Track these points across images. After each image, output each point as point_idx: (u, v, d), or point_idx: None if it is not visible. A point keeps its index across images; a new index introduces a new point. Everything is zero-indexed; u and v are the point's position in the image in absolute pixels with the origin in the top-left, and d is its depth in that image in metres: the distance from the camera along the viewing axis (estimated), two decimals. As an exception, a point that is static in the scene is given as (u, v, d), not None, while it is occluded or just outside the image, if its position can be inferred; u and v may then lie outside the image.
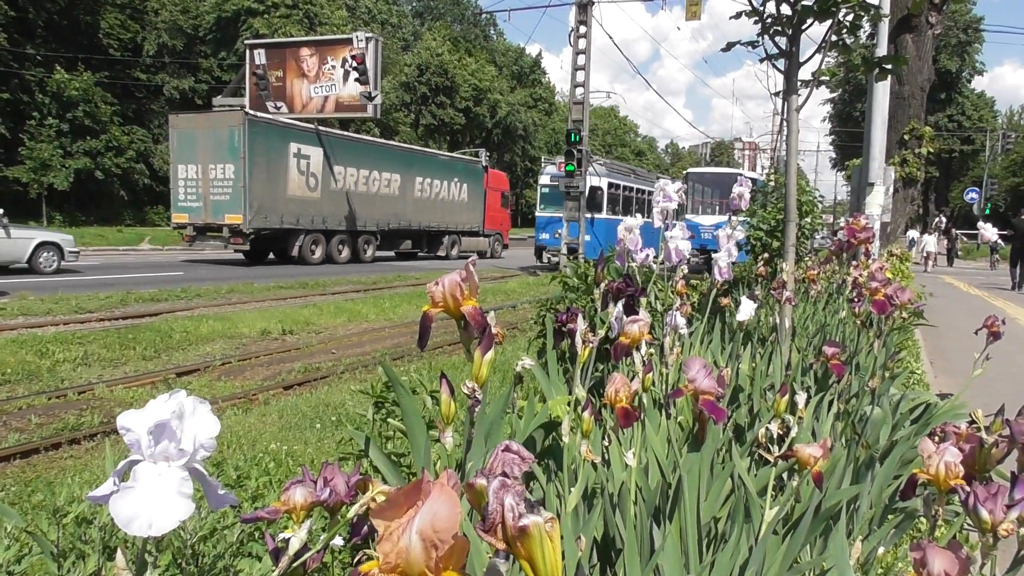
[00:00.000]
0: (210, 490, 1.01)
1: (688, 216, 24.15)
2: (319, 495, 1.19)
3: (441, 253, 28.48)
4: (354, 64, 28.37)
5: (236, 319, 10.64)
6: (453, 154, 33.06)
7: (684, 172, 32.04)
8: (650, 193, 27.09)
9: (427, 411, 2.80)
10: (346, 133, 28.17)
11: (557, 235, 23.56)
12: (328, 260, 23.10)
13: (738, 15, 4.53)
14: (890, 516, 2.28)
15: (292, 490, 1.17)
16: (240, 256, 22.48)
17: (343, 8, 49.92)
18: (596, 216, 24.02)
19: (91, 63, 35.50)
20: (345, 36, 31.17)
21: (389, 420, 2.82)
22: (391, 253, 26.94)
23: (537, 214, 26.02)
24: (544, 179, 25.85)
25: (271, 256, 22.72)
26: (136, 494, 0.90)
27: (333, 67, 29.84)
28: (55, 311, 11.01)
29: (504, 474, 0.73)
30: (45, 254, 16.54)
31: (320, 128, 24.91)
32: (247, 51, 31.44)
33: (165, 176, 39.70)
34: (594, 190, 23.85)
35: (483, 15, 71.14)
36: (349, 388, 6.80)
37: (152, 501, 0.90)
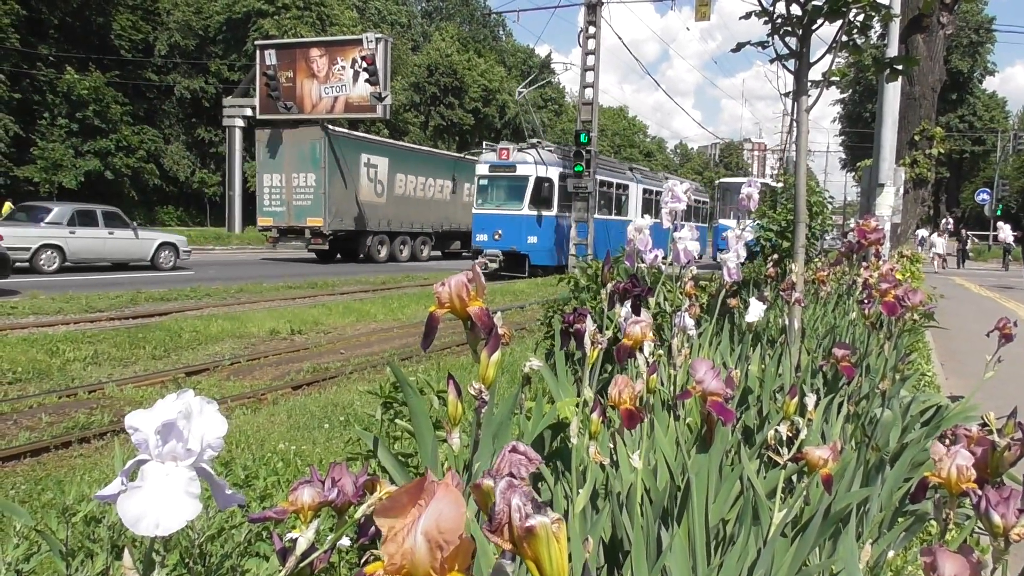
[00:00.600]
0: (217, 490, 1.01)
1: (721, 221, 27.53)
2: (327, 495, 1.19)
3: None
4: (364, 65, 28.43)
5: (245, 319, 10.67)
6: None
7: (717, 182, 33.85)
8: (624, 187, 25.14)
9: (434, 412, 2.80)
10: (407, 144, 32.24)
11: (497, 236, 20.65)
12: (391, 259, 25.98)
13: (748, 15, 4.51)
14: (900, 519, 2.26)
15: (300, 490, 1.17)
16: (313, 256, 25.40)
17: (353, 9, 50.04)
18: (544, 213, 20.65)
19: (102, 63, 35.73)
20: (355, 37, 31.26)
21: (397, 420, 2.82)
22: (438, 253, 28.90)
23: (474, 211, 21.92)
24: (481, 168, 21.90)
25: (338, 256, 25.45)
26: (143, 494, 0.90)
27: (343, 68, 29.91)
28: (66, 310, 11.08)
29: (511, 475, 0.73)
30: (164, 252, 18.69)
31: (385, 139, 28.79)
32: (257, 52, 31.57)
33: (174, 176, 39.97)
34: (540, 182, 20.51)
35: (492, 16, 71.24)
36: (358, 388, 6.81)
37: (159, 501, 0.90)
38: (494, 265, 20.40)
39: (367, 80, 28.59)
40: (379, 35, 29.86)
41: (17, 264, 14.93)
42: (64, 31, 35.76)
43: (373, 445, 2.21)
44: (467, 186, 28.70)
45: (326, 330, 10.70)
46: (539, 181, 20.53)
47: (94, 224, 17.29)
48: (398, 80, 49.14)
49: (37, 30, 34.28)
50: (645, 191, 26.59)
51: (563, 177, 21.07)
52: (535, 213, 20.57)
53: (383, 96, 28.76)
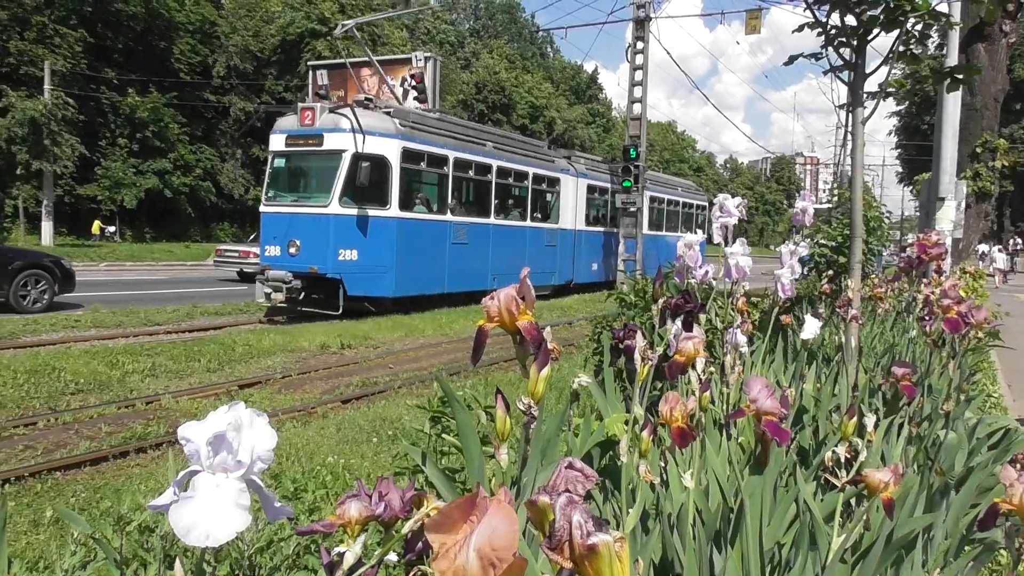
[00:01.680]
0: (267, 502, 1.01)
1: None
2: (374, 510, 1.18)
3: None
4: (413, 83, 28.86)
5: (296, 333, 10.85)
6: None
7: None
8: (552, 182, 19.18)
9: (482, 427, 2.79)
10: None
11: (294, 250, 13.04)
12: None
13: (801, 28, 4.44)
14: (967, 547, 2.16)
15: (347, 504, 1.17)
16: None
17: (403, 29, 50.90)
18: (373, 212, 13.24)
19: (162, 85, 36.98)
20: (405, 56, 31.77)
21: (444, 435, 2.82)
22: None
23: (262, 209, 14.14)
24: (276, 142, 14.37)
25: None
26: (194, 505, 0.90)
27: (393, 86, 30.42)
28: (126, 323, 11.43)
29: (568, 491, 0.71)
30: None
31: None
32: (310, 72, 32.32)
33: (230, 194, 41.01)
34: (363, 162, 12.80)
35: (540, 33, 71.60)
36: (406, 403, 6.85)
37: (210, 512, 0.90)
38: (279, 296, 12.76)
39: (416, 98, 28.98)
40: (428, 54, 30.31)
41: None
42: (127, 55, 37.15)
43: (421, 460, 2.21)
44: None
45: (375, 344, 10.81)
46: (361, 161, 12.76)
47: None
48: (447, 98, 49.76)
49: (102, 54, 35.69)
50: (589, 188, 21.09)
51: (412, 156, 13.92)
52: (354, 212, 13.05)
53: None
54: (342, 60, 33.96)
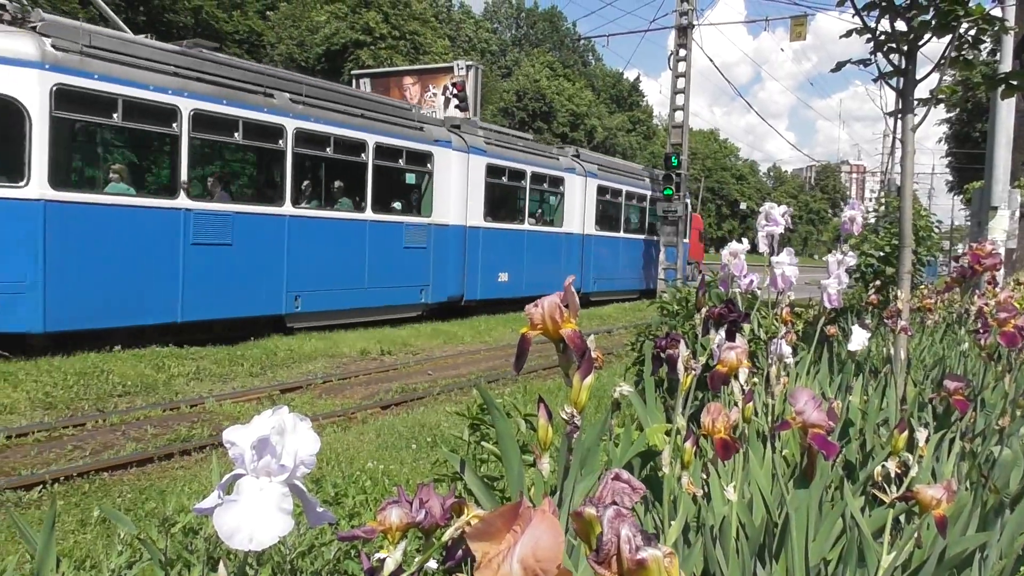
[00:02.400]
0: (309, 507, 1.01)
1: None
2: (415, 516, 1.18)
3: None
4: (455, 91, 29.11)
5: (337, 339, 10.97)
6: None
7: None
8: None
9: (521, 435, 2.78)
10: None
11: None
12: None
13: (849, 33, 4.36)
14: (1023, 568, 2.08)
15: (388, 510, 1.17)
16: None
17: (445, 38, 51.37)
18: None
19: (210, 95, 37.87)
20: (446, 64, 32.08)
21: (484, 443, 2.82)
22: None
23: None
24: None
25: None
26: (238, 508, 0.91)
27: (434, 95, 30.70)
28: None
29: (615, 503, 0.70)
30: None
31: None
32: (353, 81, 32.80)
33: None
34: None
35: (581, 41, 71.65)
36: (445, 409, 6.87)
37: (253, 515, 0.91)
38: None
39: (457, 106, 29.24)
40: (469, 62, 30.55)
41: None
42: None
43: (460, 467, 2.21)
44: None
45: (414, 351, 10.88)
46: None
47: None
48: (488, 106, 50.04)
49: (151, 64, 36.68)
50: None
51: (80, 100, 8.74)
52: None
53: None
54: (384, 69, 34.48)
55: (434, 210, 13.83)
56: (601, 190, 18.95)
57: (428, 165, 13.75)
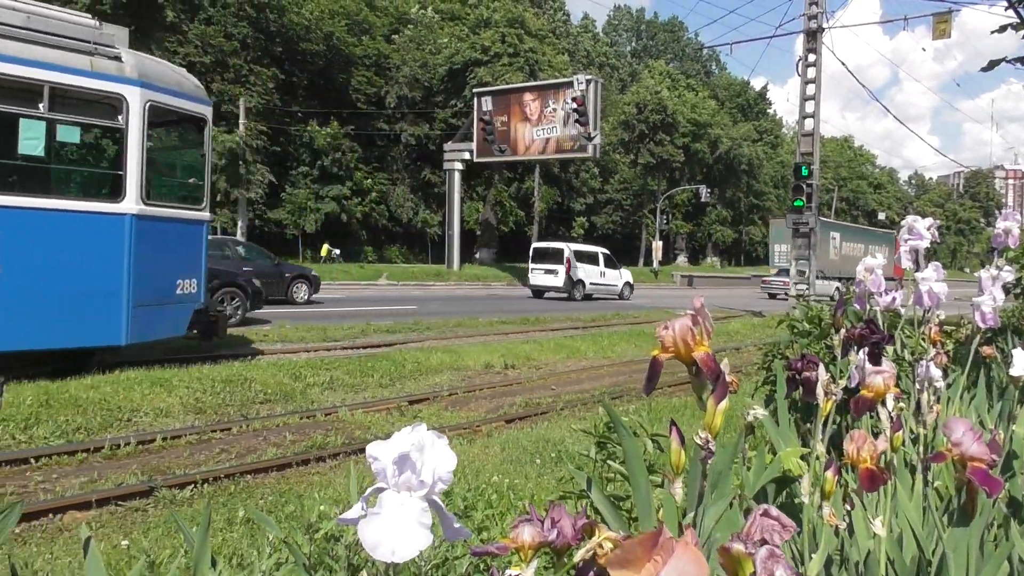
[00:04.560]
0: (446, 522, 1.04)
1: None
2: (547, 535, 1.19)
3: None
4: (574, 106, 29.25)
5: (462, 352, 11.21)
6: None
7: None
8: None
9: (647, 455, 2.73)
10: (846, 223, 48.11)
11: None
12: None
13: (1002, 29, 4.05)
14: None
15: (520, 528, 1.18)
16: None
17: (564, 53, 51.71)
18: None
19: (340, 116, 39.88)
20: (566, 80, 32.33)
21: (610, 462, 2.79)
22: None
23: None
24: None
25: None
26: (381, 521, 0.94)
27: (554, 110, 31.00)
28: (307, 339, 12.30)
29: (764, 541, 0.68)
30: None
31: (832, 220, 38.39)
32: (475, 99, 33.60)
33: (399, 217, 43.31)
34: None
35: (704, 50, 70.22)
36: (569, 425, 6.87)
37: (395, 529, 0.94)
38: None
39: (577, 121, 29.37)
40: (589, 77, 30.63)
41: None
42: (311, 89, 40.46)
43: (587, 485, 2.19)
44: (852, 246, 38.60)
45: (537, 365, 10.95)
46: None
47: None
48: (607, 120, 49.88)
49: (289, 90, 39.12)
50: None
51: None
52: None
53: (593, 136, 29.34)
54: (506, 86, 35.10)
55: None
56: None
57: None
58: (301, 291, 18.77)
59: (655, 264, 48.47)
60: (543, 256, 27.07)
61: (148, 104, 8.49)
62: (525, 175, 48.43)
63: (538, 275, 26.98)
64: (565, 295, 26.54)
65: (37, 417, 6.56)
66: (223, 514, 4.68)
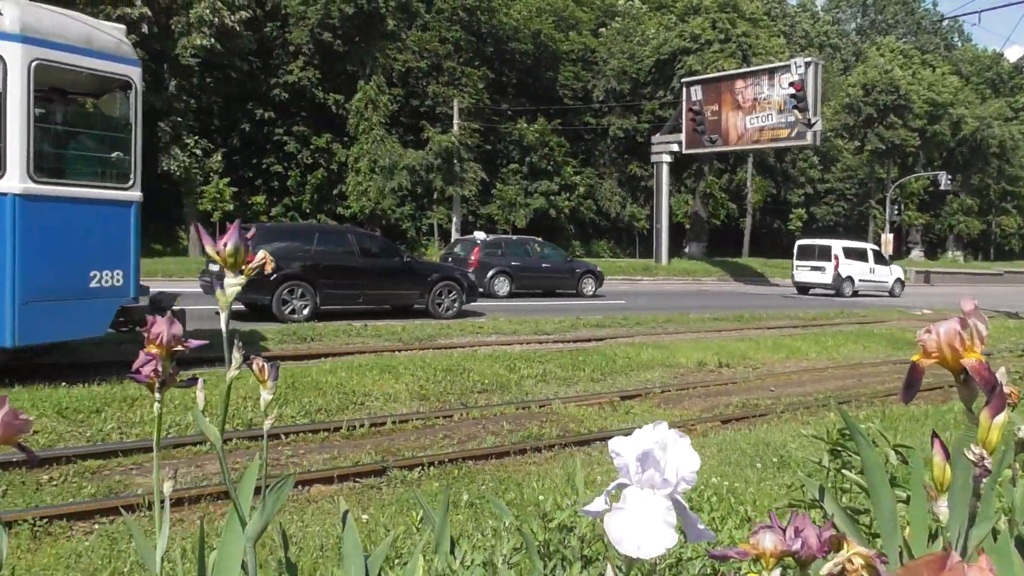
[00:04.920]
0: (690, 523, 1.04)
1: None
2: (790, 545, 1.16)
3: None
4: (792, 92, 27.56)
5: (673, 349, 11.04)
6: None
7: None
8: None
9: (889, 467, 2.54)
10: None
11: None
12: None
13: None
14: None
15: (762, 535, 1.16)
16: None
17: (780, 35, 48.91)
18: None
19: (548, 112, 40.73)
20: (782, 64, 30.56)
21: (844, 471, 2.62)
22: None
23: None
24: None
25: None
26: (625, 516, 0.97)
27: (769, 97, 29.42)
28: (519, 331, 12.72)
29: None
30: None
31: None
32: (683, 89, 32.77)
33: (607, 211, 43.42)
34: None
35: (943, 21, 63.23)
36: (791, 429, 6.54)
37: (640, 525, 0.96)
38: None
39: (795, 107, 27.66)
40: (808, 59, 28.70)
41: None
42: (519, 87, 41.72)
43: (819, 494, 2.08)
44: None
45: (754, 365, 10.52)
46: None
47: None
48: (828, 104, 46.53)
49: (499, 89, 40.62)
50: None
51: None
52: None
53: (813, 122, 27.53)
54: (716, 74, 33.87)
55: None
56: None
57: None
58: (589, 285, 20.59)
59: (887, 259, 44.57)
60: (808, 253, 27.38)
61: (35, 63, 7.05)
62: (737, 166, 46.52)
63: (803, 272, 27.27)
64: (832, 292, 26.53)
65: (286, 398, 7.37)
66: (448, 497, 4.97)
